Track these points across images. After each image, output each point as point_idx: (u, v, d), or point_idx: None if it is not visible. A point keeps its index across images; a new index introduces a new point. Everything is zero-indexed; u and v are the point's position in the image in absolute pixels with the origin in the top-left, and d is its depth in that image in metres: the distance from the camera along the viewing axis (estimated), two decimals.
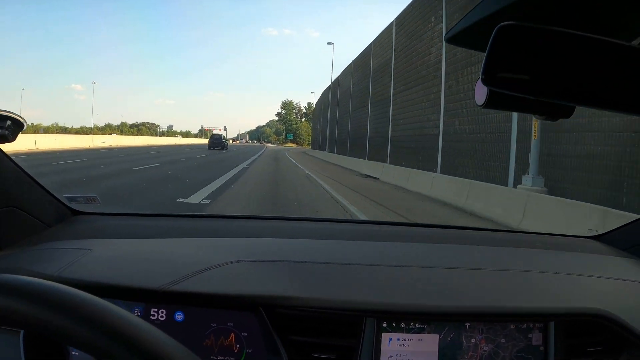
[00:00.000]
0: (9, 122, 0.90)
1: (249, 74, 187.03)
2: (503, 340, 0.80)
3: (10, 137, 0.90)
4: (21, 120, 0.93)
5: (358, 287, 0.86)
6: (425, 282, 0.88)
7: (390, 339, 0.79)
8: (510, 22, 0.43)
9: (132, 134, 67.40)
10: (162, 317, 0.83)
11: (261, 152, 36.87)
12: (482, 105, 0.54)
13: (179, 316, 0.83)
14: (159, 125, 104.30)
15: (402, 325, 0.78)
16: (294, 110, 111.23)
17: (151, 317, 0.84)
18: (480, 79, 0.47)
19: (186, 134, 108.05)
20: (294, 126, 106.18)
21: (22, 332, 0.77)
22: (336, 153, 27.84)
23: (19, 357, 0.75)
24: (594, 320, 0.81)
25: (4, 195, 1.02)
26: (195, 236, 1.14)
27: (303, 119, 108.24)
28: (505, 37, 0.43)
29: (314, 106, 49.37)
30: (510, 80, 0.44)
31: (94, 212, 1.34)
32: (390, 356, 0.79)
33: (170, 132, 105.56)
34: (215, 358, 0.81)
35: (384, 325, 0.78)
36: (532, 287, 0.89)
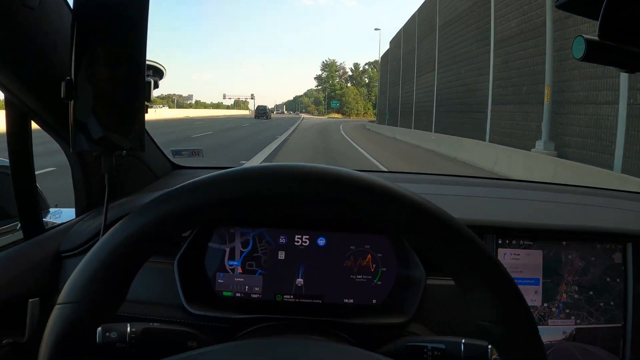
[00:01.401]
0: (151, 71, 0.92)
1: (285, 44, 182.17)
2: (593, 258, 1.03)
3: (157, 84, 0.92)
4: (162, 68, 0.97)
5: (474, 210, 1.12)
6: (528, 207, 1.19)
7: (505, 254, 1.03)
8: None
9: (163, 106, 68.15)
10: (306, 242, 0.98)
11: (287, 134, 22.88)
12: (580, 58, 0.65)
13: (321, 241, 0.98)
14: (191, 95, 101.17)
15: (514, 242, 1.03)
16: (337, 73, 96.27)
17: (295, 242, 0.98)
18: (579, 37, 0.62)
19: (217, 105, 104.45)
20: (338, 92, 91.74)
21: (176, 262, 0.91)
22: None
23: (173, 287, 0.90)
24: None
25: None
26: None
27: (348, 84, 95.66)
28: None
29: (379, 65, 40.55)
30: (625, 33, 0.54)
31: (193, 166, 1.49)
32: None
33: (199, 104, 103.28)
34: (354, 276, 0.98)
35: (500, 242, 1.02)
36: (610, 215, 1.16)
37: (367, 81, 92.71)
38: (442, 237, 0.42)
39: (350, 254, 0.98)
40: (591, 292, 1.02)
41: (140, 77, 0.67)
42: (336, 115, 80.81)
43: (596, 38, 0.60)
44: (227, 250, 0.98)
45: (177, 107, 70.43)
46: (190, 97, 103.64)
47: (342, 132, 27.63)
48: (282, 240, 0.98)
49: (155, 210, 0.43)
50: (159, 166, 1.32)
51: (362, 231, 0.98)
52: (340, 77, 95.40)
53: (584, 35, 0.64)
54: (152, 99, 0.72)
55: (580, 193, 1.46)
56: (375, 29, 55.18)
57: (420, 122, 22.83)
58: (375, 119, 54.80)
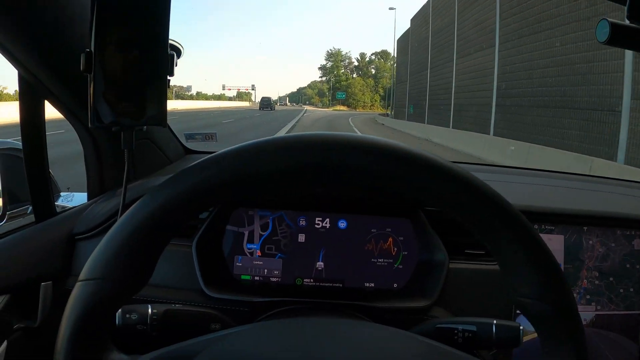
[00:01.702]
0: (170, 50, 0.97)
1: (289, 35, 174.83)
2: (613, 245, 1.03)
3: (176, 62, 0.95)
4: (179, 46, 0.95)
5: (503, 194, 1.10)
6: (549, 193, 1.20)
7: None
8: None
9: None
10: (326, 224, 0.97)
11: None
12: (604, 41, 0.64)
13: (342, 224, 0.97)
14: (190, 86, 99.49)
15: (535, 226, 1.02)
16: (342, 63, 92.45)
17: (316, 225, 0.98)
18: (603, 20, 0.62)
19: (219, 97, 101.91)
20: (343, 83, 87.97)
21: (194, 244, 0.91)
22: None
23: (191, 271, 0.90)
24: None
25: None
26: None
27: (354, 75, 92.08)
28: None
29: (395, 51, 35.92)
30: None
31: (206, 150, 1.46)
32: None
33: (201, 95, 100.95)
34: (375, 260, 0.97)
35: None
36: (630, 202, 1.16)
37: (373, 72, 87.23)
38: (490, 213, 0.43)
39: (372, 237, 0.97)
40: (611, 278, 1.02)
41: (162, 51, 0.66)
42: (342, 108, 76.44)
43: (620, 21, 0.61)
44: (246, 233, 0.97)
45: (178, 99, 69.59)
46: (189, 88, 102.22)
47: (356, 130, 23.08)
48: (303, 222, 0.98)
49: (180, 184, 0.42)
50: (172, 150, 1.31)
51: (383, 214, 0.98)
52: (345, 67, 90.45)
53: (608, 19, 0.64)
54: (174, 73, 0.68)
55: (605, 183, 1.46)
56: (390, 8, 49.10)
57: (466, 119, 17.32)
58: (385, 111, 51.76)
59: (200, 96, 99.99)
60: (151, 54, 0.65)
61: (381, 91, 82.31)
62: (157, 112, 0.67)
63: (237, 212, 0.97)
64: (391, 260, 0.98)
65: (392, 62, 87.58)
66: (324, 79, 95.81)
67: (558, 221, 1.02)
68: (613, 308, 1.01)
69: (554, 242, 1.02)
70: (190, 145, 1.42)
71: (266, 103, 49.10)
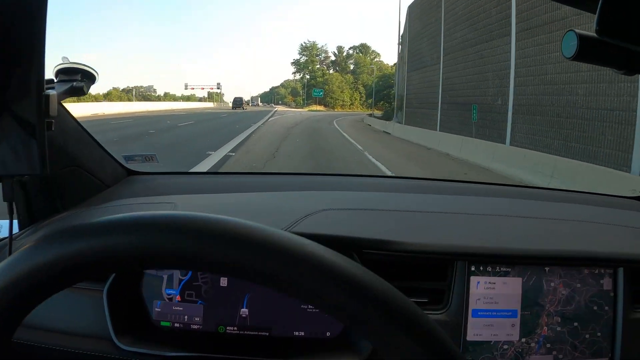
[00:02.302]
0: (80, 75, 0.92)
1: (261, 31, 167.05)
2: (579, 285, 0.96)
3: (85, 90, 0.92)
4: (93, 72, 0.95)
5: (448, 231, 1.03)
6: (506, 228, 1.08)
7: (478, 282, 0.94)
8: None
9: (125, 100, 65.40)
10: None
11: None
12: (571, 57, 0.58)
13: None
14: (151, 86, 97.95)
15: (489, 269, 0.94)
16: (318, 57, 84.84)
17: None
18: (570, 31, 0.55)
19: (188, 98, 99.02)
20: (319, 80, 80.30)
21: (105, 289, 0.86)
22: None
23: (103, 317, 0.84)
24: None
25: (68, 155, 1.09)
26: (263, 191, 1.28)
27: (331, 71, 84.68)
28: None
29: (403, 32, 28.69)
30: (623, 30, 0.48)
31: (149, 171, 1.41)
32: (478, 299, 0.94)
33: (168, 96, 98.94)
34: (306, 306, 0.91)
35: (472, 269, 0.94)
36: (600, 235, 1.08)
37: (352, 67, 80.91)
38: (342, 300, 0.36)
39: None
40: (575, 323, 0.95)
41: (36, 88, 0.61)
42: (318, 107, 69.82)
43: (590, 33, 0.54)
44: (165, 277, 0.93)
45: (144, 100, 66.85)
46: (150, 87, 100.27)
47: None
48: None
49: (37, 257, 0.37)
50: (109, 173, 1.27)
51: None
52: (321, 62, 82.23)
53: (576, 30, 0.57)
54: (52, 112, 0.65)
55: (571, 200, 1.39)
56: None
57: (492, 126, 13.41)
58: (370, 111, 48.88)
59: (168, 97, 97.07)
60: (22, 94, 0.60)
61: (361, 88, 76.59)
62: (35, 160, 0.61)
63: None
64: None
65: (372, 57, 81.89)
66: (297, 76, 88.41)
67: (515, 262, 0.95)
68: (577, 356, 0.95)
69: (510, 286, 0.95)
70: (132, 166, 1.39)
71: (238, 103, 55.07)
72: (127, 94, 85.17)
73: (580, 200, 1.41)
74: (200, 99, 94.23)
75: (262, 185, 1.38)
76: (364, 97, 77.05)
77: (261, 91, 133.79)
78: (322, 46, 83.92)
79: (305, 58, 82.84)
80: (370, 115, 40.40)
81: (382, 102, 48.23)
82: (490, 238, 0.99)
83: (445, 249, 0.93)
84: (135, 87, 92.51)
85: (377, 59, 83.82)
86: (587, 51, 0.56)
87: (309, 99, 76.58)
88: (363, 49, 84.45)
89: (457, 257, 0.92)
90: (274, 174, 1.75)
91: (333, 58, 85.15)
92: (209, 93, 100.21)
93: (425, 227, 1.05)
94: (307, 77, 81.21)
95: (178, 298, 0.91)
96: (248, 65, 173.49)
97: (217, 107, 64.26)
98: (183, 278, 0.91)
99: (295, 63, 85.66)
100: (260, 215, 1.04)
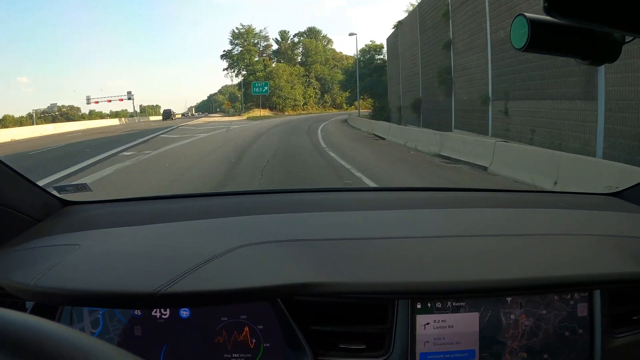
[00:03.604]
0: None
1: (191, 41, 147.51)
2: (544, 312, 0.87)
3: None
4: None
5: (385, 264, 0.92)
6: (456, 253, 0.96)
7: (427, 323, 0.85)
8: None
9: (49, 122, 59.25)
10: (164, 314, 0.87)
11: None
12: (521, 48, 0.52)
13: (185, 312, 0.87)
14: (54, 104, 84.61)
15: (438, 305, 0.85)
16: (256, 47, 63.46)
17: (153, 314, 0.87)
18: (518, 16, 0.48)
19: (116, 114, 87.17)
20: (260, 74, 58.64)
21: None
22: None
23: None
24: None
25: None
26: (196, 218, 1.23)
27: (274, 63, 66.66)
28: None
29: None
30: (575, 6, 0.43)
31: (85, 200, 1.42)
32: (427, 341, 0.85)
33: (94, 114, 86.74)
34: (229, 356, 0.86)
35: (418, 306, 0.85)
36: (571, 252, 0.97)
37: (299, 58, 64.62)
38: None
39: (222, 327, 0.85)
40: (545, 356, 0.86)
41: None
42: (262, 112, 49.92)
43: (543, 17, 0.46)
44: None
45: (67, 121, 58.24)
46: (53, 106, 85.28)
47: None
48: (138, 312, 0.87)
49: None
50: (38, 207, 1.22)
51: (235, 301, 0.87)
52: (261, 52, 63.08)
53: (526, 14, 0.51)
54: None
55: (540, 205, 1.28)
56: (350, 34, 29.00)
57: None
58: (324, 111, 42.54)
59: (94, 115, 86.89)
60: None
61: (314, 82, 61.19)
62: None
63: (65, 308, 0.88)
64: (250, 355, 0.85)
65: (324, 42, 66.71)
66: (232, 73, 67.13)
67: (467, 296, 0.86)
68: None
69: (465, 324, 0.84)
70: (66, 196, 1.37)
71: (167, 114, 56.64)
72: (47, 116, 76.55)
73: (551, 203, 1.33)
74: (132, 114, 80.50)
75: (199, 210, 1.31)
76: (319, 93, 62.26)
77: (200, 100, 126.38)
78: (261, 31, 64.91)
79: (240, 48, 61.64)
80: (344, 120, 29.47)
81: (367, 95, 33.21)
82: (438, 269, 0.88)
83: (382, 288, 0.84)
84: (59, 108, 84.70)
85: (330, 46, 69.68)
86: (540, 38, 0.49)
87: (249, 101, 57.18)
88: (312, 33, 69.59)
89: (397, 295, 0.84)
90: (223, 194, 1.77)
91: (276, 46, 68.50)
92: (141, 108, 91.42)
93: (362, 258, 0.93)
94: (244, 72, 62.00)
95: None
96: (182, 77, 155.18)
97: (124, 124, 47.19)
98: (94, 331, 0.86)
99: (227, 55, 62.56)
100: (159, 258, 0.90)
